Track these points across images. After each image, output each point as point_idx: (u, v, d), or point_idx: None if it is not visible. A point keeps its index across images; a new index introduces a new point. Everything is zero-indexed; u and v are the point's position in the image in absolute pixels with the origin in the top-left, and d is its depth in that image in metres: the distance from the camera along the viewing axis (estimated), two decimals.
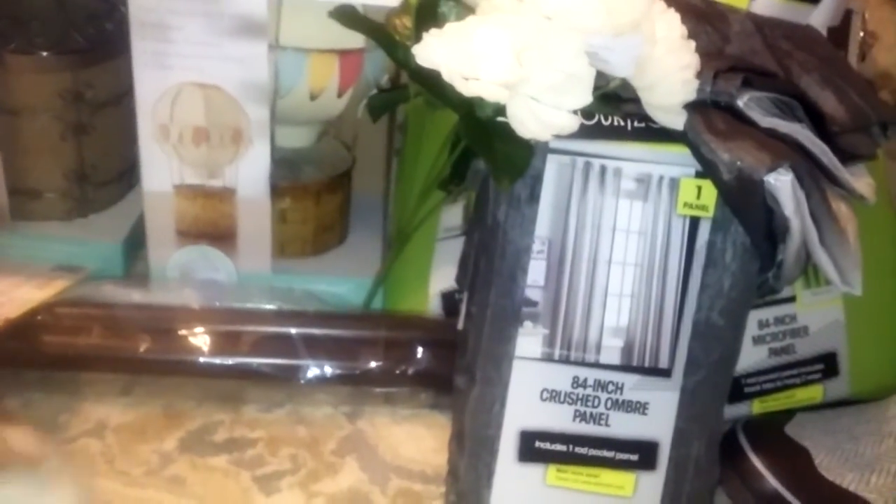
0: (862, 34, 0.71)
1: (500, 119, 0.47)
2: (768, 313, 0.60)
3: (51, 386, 0.62)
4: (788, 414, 0.61)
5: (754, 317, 0.59)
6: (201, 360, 0.61)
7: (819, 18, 0.62)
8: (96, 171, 0.75)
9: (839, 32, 0.67)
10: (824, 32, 0.62)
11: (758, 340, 0.60)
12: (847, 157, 0.52)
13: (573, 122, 0.45)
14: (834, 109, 0.53)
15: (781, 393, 0.61)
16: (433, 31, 0.44)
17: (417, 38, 0.45)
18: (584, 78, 0.44)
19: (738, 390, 0.60)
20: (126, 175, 0.77)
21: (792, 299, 0.61)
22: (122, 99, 0.72)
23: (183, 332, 0.62)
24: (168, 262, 0.69)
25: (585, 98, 0.44)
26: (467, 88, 0.43)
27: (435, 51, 0.44)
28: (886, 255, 0.63)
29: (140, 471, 0.57)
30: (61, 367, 0.62)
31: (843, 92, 0.54)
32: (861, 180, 0.53)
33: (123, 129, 0.71)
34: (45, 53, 0.69)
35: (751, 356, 0.60)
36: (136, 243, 0.73)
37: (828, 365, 0.61)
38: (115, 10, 0.70)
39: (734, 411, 0.60)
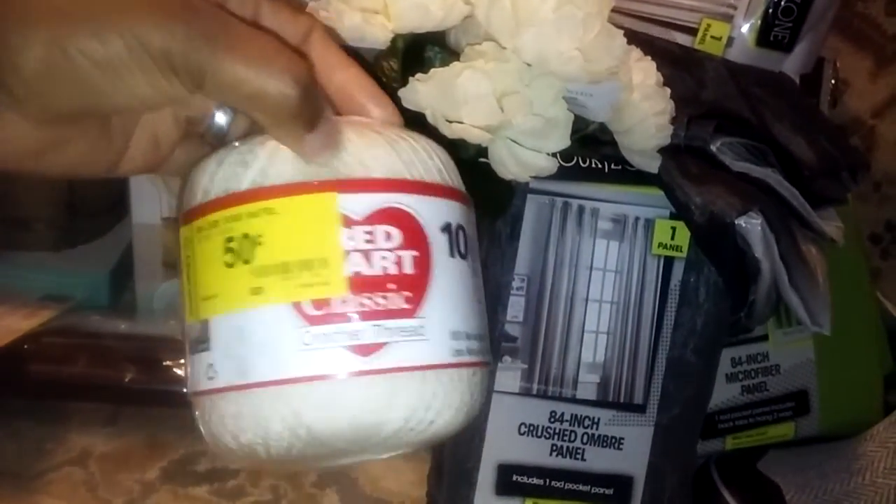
0: (834, 81, 0.73)
1: (481, 160, 0.48)
2: (741, 351, 0.62)
3: (36, 414, 0.62)
4: (761, 451, 0.62)
5: (727, 355, 0.60)
6: (184, 390, 0.62)
7: (792, 66, 0.63)
8: (85, 203, 0.76)
9: (812, 79, 0.69)
10: (797, 79, 0.64)
11: (731, 378, 0.62)
12: (818, 201, 0.54)
13: (552, 165, 0.47)
14: (805, 155, 0.54)
15: (754, 430, 0.62)
16: (419, 75, 0.45)
17: (403, 82, 0.46)
18: (563, 122, 0.45)
19: (711, 427, 0.61)
20: (115, 207, 0.78)
21: (764, 338, 0.62)
22: None
23: (168, 362, 0.62)
24: (154, 294, 0.70)
25: (564, 142, 0.46)
26: (451, 131, 0.45)
27: (420, 94, 0.45)
28: (856, 296, 0.64)
29: (122, 500, 0.58)
30: (47, 395, 0.63)
31: (813, 138, 0.55)
32: (831, 223, 0.54)
33: None
34: None
35: (724, 393, 0.61)
36: (123, 274, 0.74)
37: (799, 403, 0.62)
38: None
39: (707, 447, 0.61)
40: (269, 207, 0.33)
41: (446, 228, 0.35)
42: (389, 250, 0.33)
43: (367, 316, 0.33)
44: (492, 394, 0.52)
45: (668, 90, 0.49)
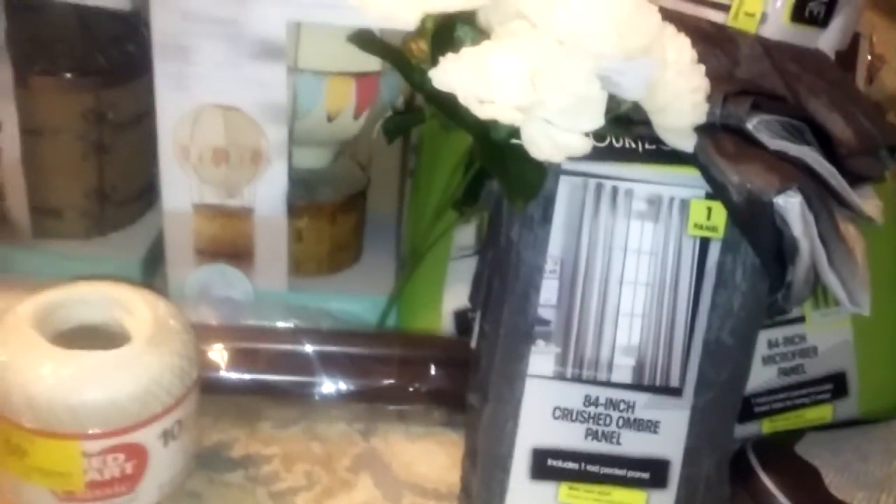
0: (870, 57, 0.72)
1: (514, 141, 0.48)
2: (778, 333, 0.61)
3: None
4: (798, 433, 0.61)
5: (764, 337, 0.60)
6: (218, 376, 0.62)
7: (827, 42, 0.62)
8: (116, 191, 0.76)
9: (847, 56, 0.68)
10: (832, 56, 0.63)
11: (767, 360, 0.61)
12: (855, 180, 0.53)
13: (586, 144, 0.46)
14: (842, 132, 0.53)
15: (791, 413, 0.62)
16: (449, 55, 0.45)
17: (434, 62, 0.46)
18: (597, 101, 0.44)
19: (747, 410, 0.60)
20: (145, 194, 0.79)
21: (801, 319, 0.61)
22: (142, 119, 0.73)
23: (200, 349, 0.62)
24: (186, 280, 0.70)
25: (598, 121, 0.45)
26: (483, 111, 0.44)
27: (451, 74, 0.45)
28: (894, 276, 0.63)
29: None
30: None
31: (851, 115, 0.54)
32: (869, 202, 0.53)
33: (143, 149, 0.72)
34: (68, 75, 0.71)
35: (760, 376, 0.60)
36: (154, 261, 0.74)
37: (837, 385, 0.62)
38: (137, 32, 0.72)
39: (744, 431, 0.61)
40: (29, 439, 0.49)
41: (163, 434, 0.51)
42: (116, 464, 0.50)
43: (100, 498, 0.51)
44: (525, 378, 0.52)
45: (704, 66, 0.49)
